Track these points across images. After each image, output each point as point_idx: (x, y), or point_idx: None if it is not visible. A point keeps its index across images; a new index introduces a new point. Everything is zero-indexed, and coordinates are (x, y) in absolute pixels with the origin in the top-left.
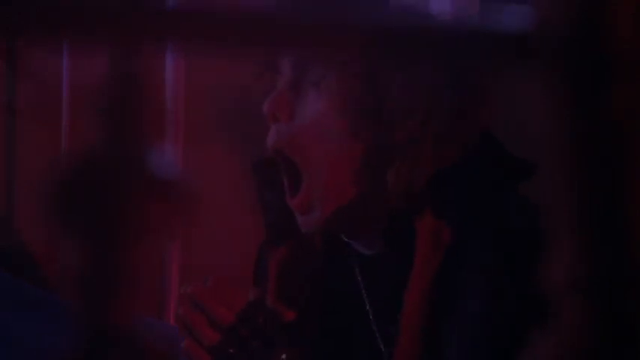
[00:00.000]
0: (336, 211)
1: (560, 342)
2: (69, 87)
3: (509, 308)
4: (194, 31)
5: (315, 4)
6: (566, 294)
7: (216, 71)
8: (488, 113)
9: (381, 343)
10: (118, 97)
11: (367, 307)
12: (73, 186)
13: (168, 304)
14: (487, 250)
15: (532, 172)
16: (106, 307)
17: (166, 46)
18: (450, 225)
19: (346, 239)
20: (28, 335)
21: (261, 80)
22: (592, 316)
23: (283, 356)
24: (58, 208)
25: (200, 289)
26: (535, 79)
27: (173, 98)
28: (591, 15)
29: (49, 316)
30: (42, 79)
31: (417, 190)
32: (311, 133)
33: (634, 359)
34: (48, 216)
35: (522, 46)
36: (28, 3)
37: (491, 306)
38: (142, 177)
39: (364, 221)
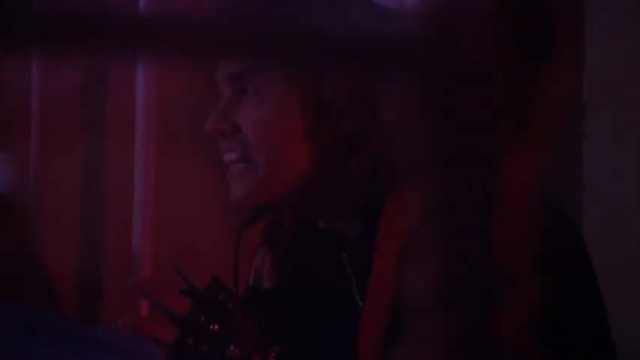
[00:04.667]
0: (284, 186)
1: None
2: (38, 99)
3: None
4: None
5: (250, 14)
6: (427, 307)
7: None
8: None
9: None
10: None
11: (353, 288)
12: None
13: (140, 306)
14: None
15: None
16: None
17: (135, 56)
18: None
19: (323, 226)
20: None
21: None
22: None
23: (275, 348)
24: None
25: (148, 280)
26: (397, 83)
27: (145, 108)
28: (447, 23)
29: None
30: (10, 90)
31: (382, 178)
32: (261, 138)
33: None
34: None
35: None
36: None
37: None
38: None
39: (332, 204)
